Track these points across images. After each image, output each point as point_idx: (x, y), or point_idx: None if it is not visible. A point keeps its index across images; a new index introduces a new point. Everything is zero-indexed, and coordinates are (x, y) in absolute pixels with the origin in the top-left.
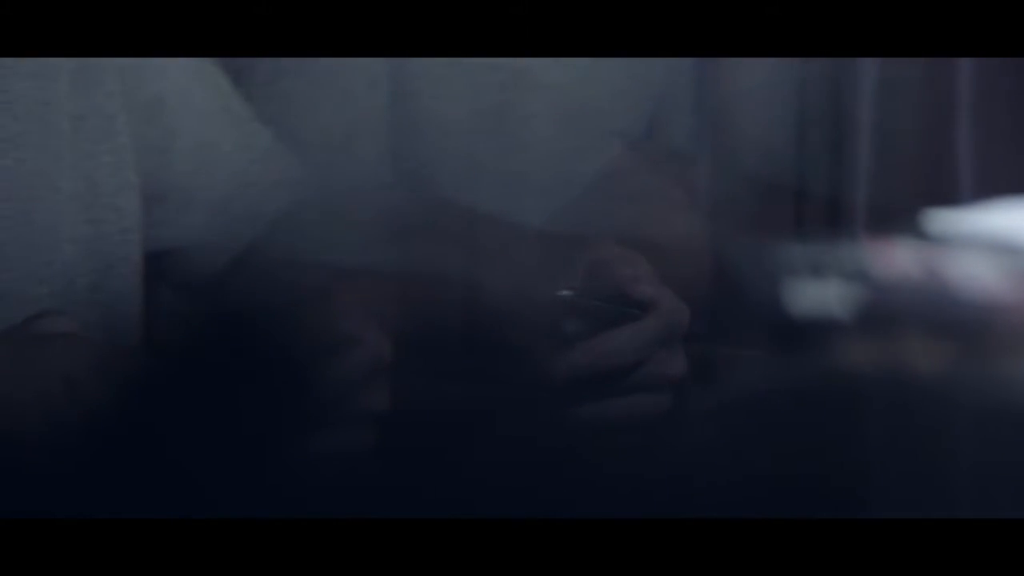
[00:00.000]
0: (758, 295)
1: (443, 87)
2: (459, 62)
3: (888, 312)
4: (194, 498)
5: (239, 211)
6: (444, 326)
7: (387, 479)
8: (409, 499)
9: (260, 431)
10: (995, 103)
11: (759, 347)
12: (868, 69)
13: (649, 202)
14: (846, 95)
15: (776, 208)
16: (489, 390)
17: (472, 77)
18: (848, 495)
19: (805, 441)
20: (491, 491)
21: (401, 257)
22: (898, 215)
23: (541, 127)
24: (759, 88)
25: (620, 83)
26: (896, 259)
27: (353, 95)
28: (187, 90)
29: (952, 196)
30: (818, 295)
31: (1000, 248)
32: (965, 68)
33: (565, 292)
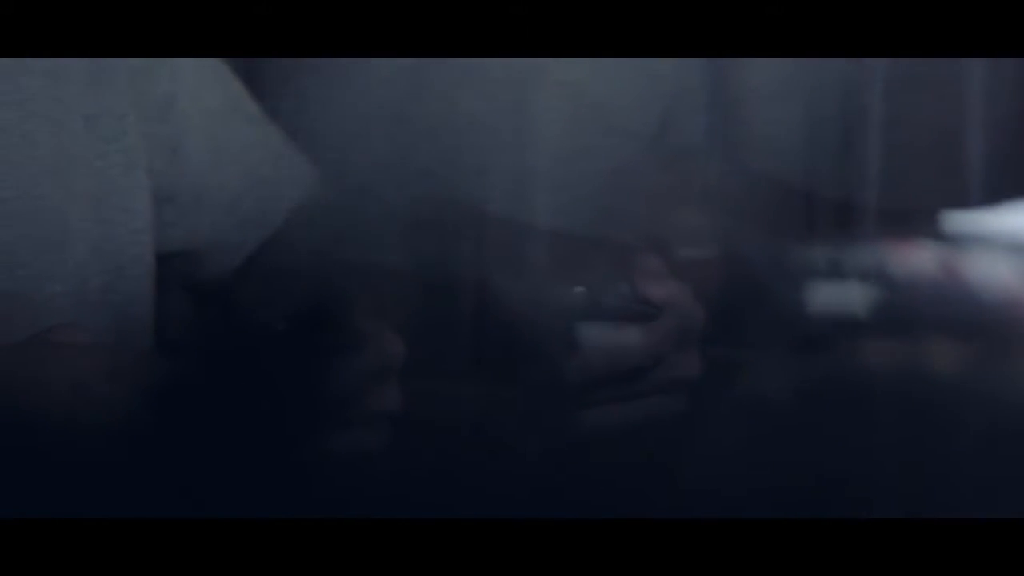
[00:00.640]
0: (774, 296)
1: (459, 85)
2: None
3: (905, 312)
4: (209, 499)
5: (251, 211)
6: (456, 326)
7: (397, 481)
8: (420, 500)
9: (272, 433)
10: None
11: (775, 348)
12: (887, 66)
13: (664, 201)
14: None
15: (792, 208)
16: (501, 391)
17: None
18: (864, 495)
19: (818, 442)
20: (500, 493)
21: (414, 257)
22: (915, 215)
23: (555, 124)
24: (773, 86)
25: (634, 81)
26: (914, 259)
27: (367, 93)
28: (198, 90)
29: (968, 196)
30: (835, 296)
31: (1016, 248)
32: (978, 66)
33: (579, 291)
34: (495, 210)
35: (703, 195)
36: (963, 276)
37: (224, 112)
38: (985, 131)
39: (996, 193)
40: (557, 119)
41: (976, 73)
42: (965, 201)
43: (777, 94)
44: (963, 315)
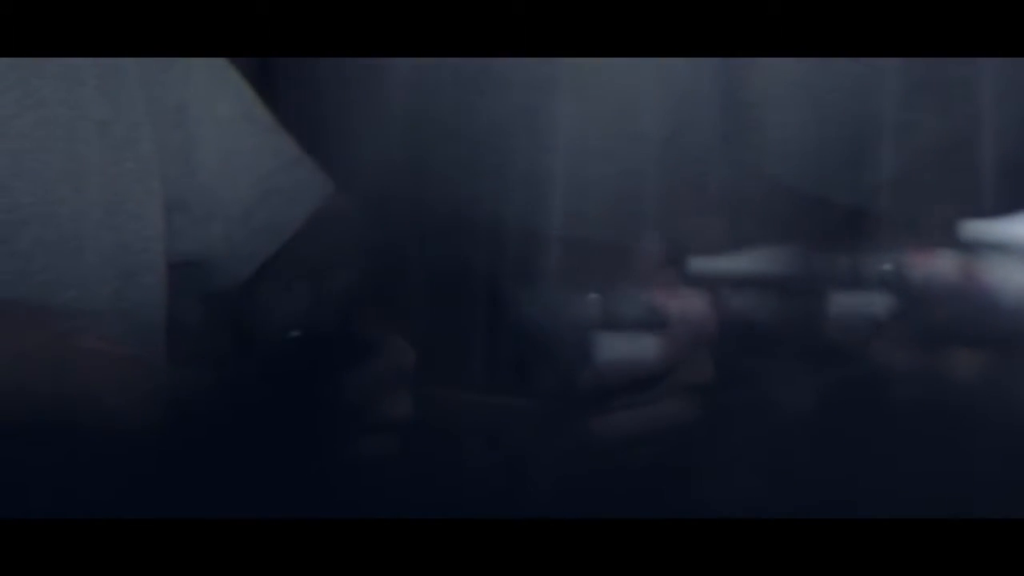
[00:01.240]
0: (784, 302)
1: (473, 87)
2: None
3: (922, 320)
4: (213, 500)
5: (263, 219)
6: (468, 334)
7: (409, 486)
8: (433, 504)
9: (282, 440)
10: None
11: (789, 355)
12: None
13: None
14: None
15: (807, 214)
16: (513, 398)
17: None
18: (874, 496)
19: (836, 449)
20: (515, 497)
21: (424, 263)
22: (931, 222)
23: (571, 128)
24: (787, 88)
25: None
26: (932, 267)
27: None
28: (210, 98)
29: (984, 203)
30: (851, 303)
31: None
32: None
33: (592, 297)
34: (509, 215)
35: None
36: (984, 283)
37: (236, 120)
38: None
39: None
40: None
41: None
42: (981, 207)
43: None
44: (984, 323)
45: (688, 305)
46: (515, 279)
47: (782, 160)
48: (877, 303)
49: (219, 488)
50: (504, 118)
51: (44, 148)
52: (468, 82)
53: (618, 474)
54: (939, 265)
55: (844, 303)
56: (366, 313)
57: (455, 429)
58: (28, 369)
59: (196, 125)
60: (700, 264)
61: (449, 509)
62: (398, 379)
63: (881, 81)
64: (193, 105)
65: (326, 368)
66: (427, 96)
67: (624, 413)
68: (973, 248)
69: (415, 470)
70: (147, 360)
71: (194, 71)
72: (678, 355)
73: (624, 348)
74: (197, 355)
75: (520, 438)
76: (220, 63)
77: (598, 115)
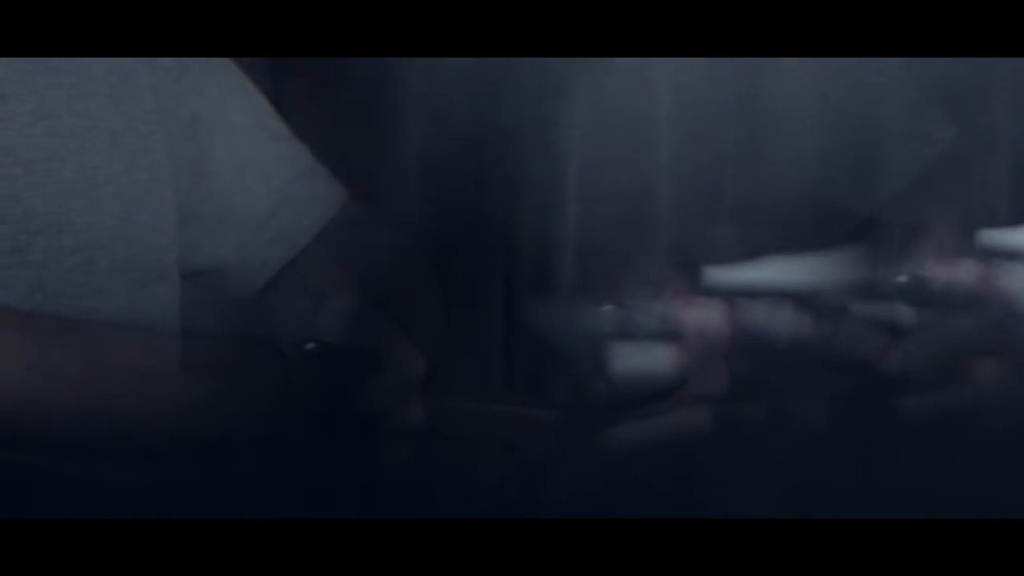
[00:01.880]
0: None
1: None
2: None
3: (942, 329)
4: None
5: (277, 229)
6: (484, 344)
7: (425, 495)
8: (451, 509)
9: (297, 448)
10: None
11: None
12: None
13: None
14: None
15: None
16: (530, 407)
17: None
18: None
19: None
20: (532, 507)
21: (439, 275)
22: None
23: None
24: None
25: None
26: (951, 276)
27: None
28: (224, 108)
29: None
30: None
31: None
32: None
33: (607, 309)
34: (532, 226)
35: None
36: (1004, 291)
37: (250, 130)
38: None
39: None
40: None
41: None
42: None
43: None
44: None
45: (701, 315)
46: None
47: (799, 169)
48: (894, 313)
49: (232, 492)
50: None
51: (58, 158)
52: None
53: (640, 487)
54: (957, 274)
55: (863, 313)
56: (378, 323)
57: (472, 438)
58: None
59: (209, 135)
60: (728, 274)
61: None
62: (410, 390)
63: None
64: (207, 115)
65: (342, 377)
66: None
67: (642, 421)
68: (992, 256)
69: (430, 478)
70: (160, 369)
71: (207, 81)
72: (691, 364)
73: (639, 358)
74: (211, 364)
75: (538, 447)
76: (234, 73)
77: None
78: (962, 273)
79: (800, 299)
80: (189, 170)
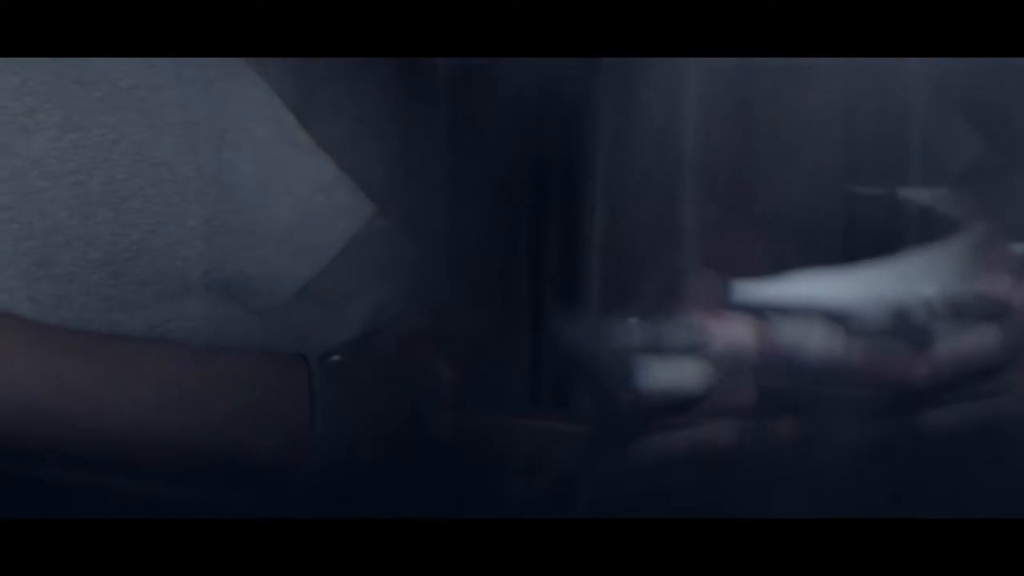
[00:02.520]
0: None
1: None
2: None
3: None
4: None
5: (302, 242)
6: (512, 355)
7: (451, 505)
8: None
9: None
10: None
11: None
12: None
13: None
14: None
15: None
16: (553, 420)
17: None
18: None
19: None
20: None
21: (465, 287)
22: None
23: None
24: None
25: None
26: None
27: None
28: (249, 121)
29: None
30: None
31: None
32: None
33: (632, 321)
34: (556, 234)
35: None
36: None
37: (276, 143)
38: None
39: None
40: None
41: None
42: None
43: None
44: None
45: (728, 327)
46: None
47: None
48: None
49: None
50: None
51: (84, 171)
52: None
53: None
54: (1007, 289)
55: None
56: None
57: (498, 450)
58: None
59: (235, 148)
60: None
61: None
62: (444, 400)
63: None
64: (232, 128)
65: (369, 390)
66: None
67: (667, 434)
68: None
69: (456, 490)
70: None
71: (233, 94)
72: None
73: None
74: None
75: (566, 461)
76: (260, 85)
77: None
78: (1000, 285)
79: (832, 314)
80: (215, 183)
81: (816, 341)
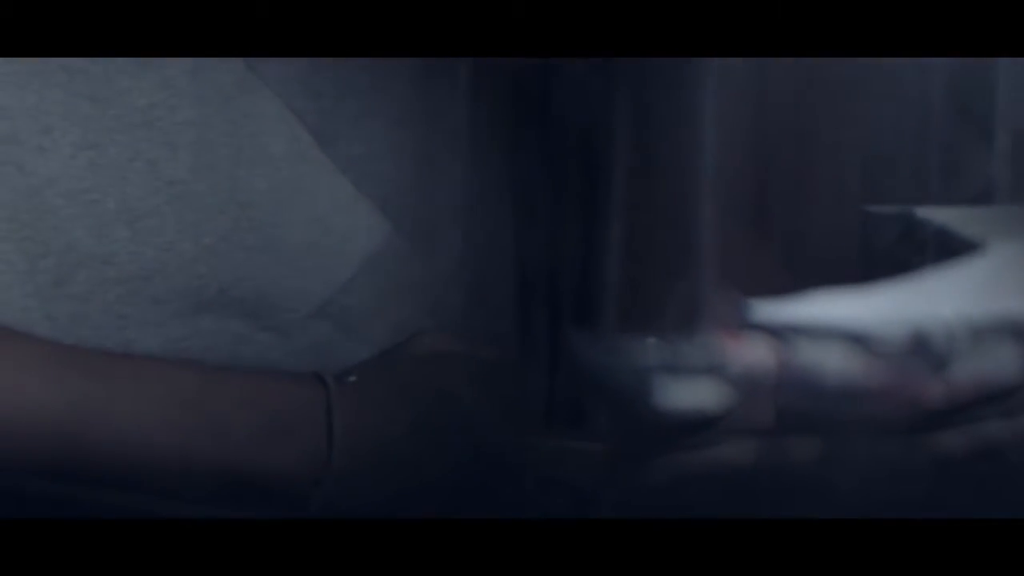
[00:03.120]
0: None
1: None
2: None
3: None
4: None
5: (320, 260)
6: (529, 377)
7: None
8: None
9: None
10: None
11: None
12: None
13: None
14: None
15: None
16: (576, 441)
17: None
18: None
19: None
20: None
21: (482, 305)
22: None
23: None
24: None
25: None
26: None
27: None
28: (265, 138)
29: None
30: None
31: None
32: None
33: (652, 340)
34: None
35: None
36: None
37: (291, 160)
38: None
39: None
40: None
41: None
42: None
43: None
44: None
45: (747, 345)
46: None
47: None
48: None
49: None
50: None
51: (100, 190)
52: None
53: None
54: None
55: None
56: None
57: (518, 473)
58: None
59: (251, 166)
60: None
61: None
62: (471, 425)
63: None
64: (248, 146)
65: (385, 410)
66: None
67: (685, 453)
68: None
69: (470, 509)
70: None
71: (250, 112)
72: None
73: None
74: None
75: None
76: (276, 102)
77: None
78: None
79: (851, 335)
80: (231, 201)
81: (835, 362)
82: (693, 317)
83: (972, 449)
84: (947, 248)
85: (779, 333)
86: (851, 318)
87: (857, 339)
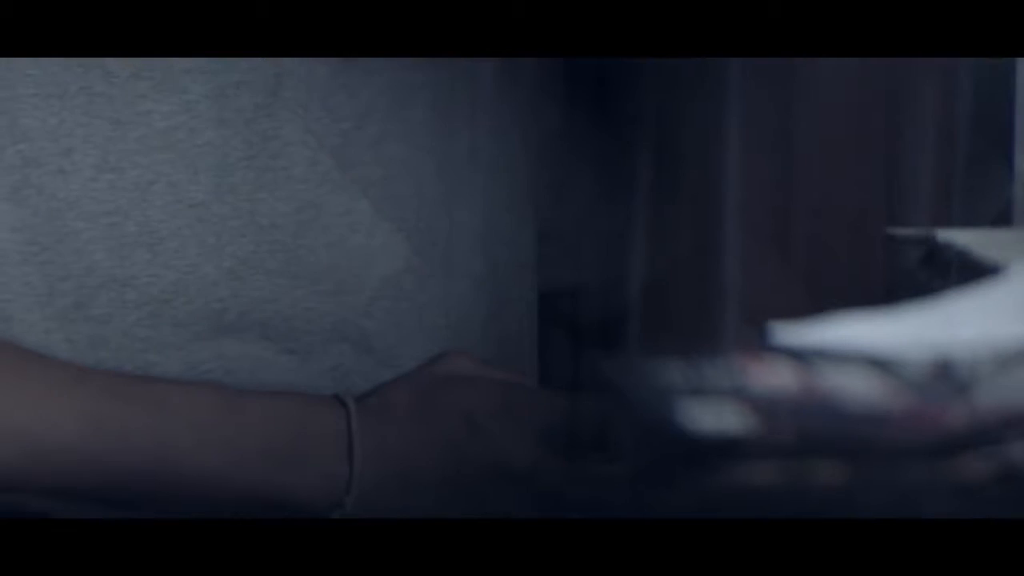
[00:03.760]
0: None
1: None
2: None
3: None
4: None
5: (340, 282)
6: (551, 400)
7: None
8: None
9: None
10: None
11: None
12: None
13: None
14: None
15: None
16: (592, 462)
17: None
18: None
19: None
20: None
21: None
22: None
23: None
24: None
25: None
26: None
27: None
28: (287, 160)
29: None
30: None
31: None
32: None
33: (675, 363)
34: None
35: None
36: None
37: (313, 180)
38: None
39: None
40: None
41: None
42: None
43: None
44: None
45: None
46: None
47: None
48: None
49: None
50: None
51: (120, 212)
52: None
53: None
54: None
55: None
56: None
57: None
58: None
59: (272, 188)
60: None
61: None
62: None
63: None
64: (269, 168)
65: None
66: None
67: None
68: None
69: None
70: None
71: (270, 134)
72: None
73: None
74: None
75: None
76: (299, 127)
77: None
78: None
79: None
80: (252, 224)
81: (858, 386)
82: (716, 340)
83: (995, 474)
84: (969, 271)
85: (802, 357)
86: (874, 342)
87: (880, 363)
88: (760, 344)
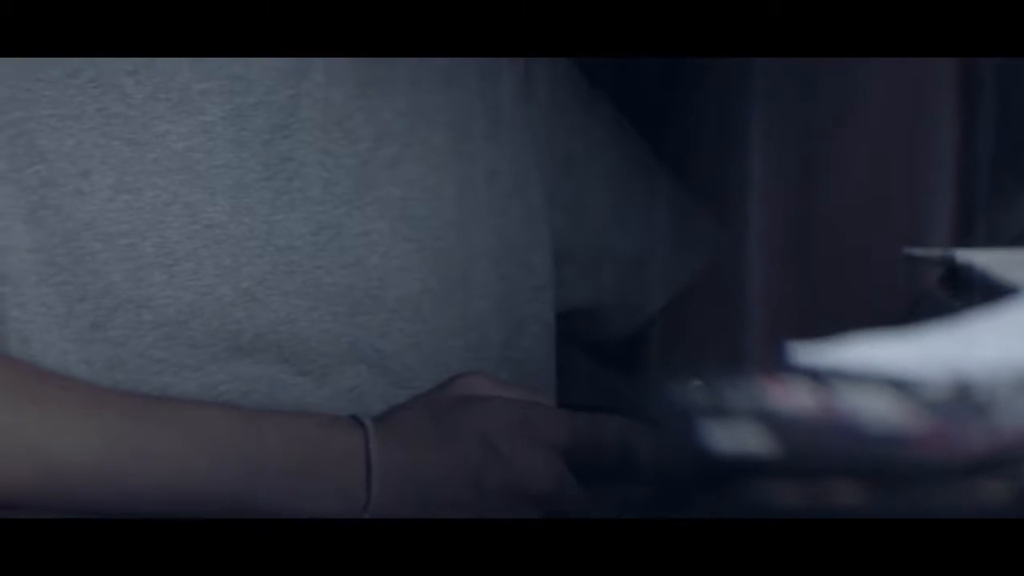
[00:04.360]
0: None
1: None
2: None
3: None
4: None
5: (358, 303)
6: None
7: None
8: None
9: None
10: None
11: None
12: None
13: None
14: None
15: None
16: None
17: None
18: None
19: None
20: None
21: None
22: None
23: None
24: None
25: None
26: None
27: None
28: (304, 180)
29: None
30: None
31: None
32: None
33: (695, 383)
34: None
35: None
36: None
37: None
38: None
39: None
40: None
41: None
42: None
43: None
44: None
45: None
46: None
47: None
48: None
49: None
50: None
51: (137, 233)
52: None
53: None
54: None
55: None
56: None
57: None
58: None
59: (289, 209)
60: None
61: None
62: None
63: None
64: (288, 189)
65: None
66: None
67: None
68: None
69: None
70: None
71: (288, 155)
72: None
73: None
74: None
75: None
76: (313, 148)
77: None
78: None
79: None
80: (268, 245)
81: (877, 407)
82: (736, 361)
83: (1015, 496)
84: (989, 291)
85: (821, 377)
86: (893, 363)
87: (899, 384)
88: (780, 365)
